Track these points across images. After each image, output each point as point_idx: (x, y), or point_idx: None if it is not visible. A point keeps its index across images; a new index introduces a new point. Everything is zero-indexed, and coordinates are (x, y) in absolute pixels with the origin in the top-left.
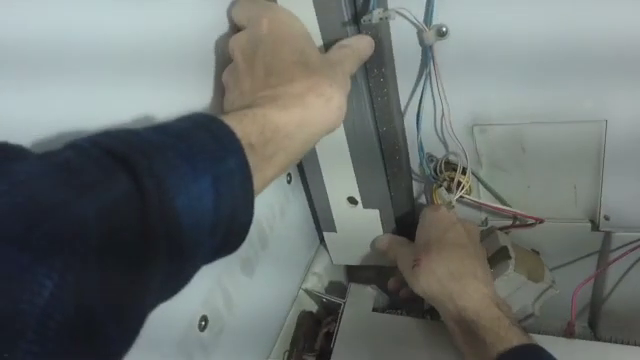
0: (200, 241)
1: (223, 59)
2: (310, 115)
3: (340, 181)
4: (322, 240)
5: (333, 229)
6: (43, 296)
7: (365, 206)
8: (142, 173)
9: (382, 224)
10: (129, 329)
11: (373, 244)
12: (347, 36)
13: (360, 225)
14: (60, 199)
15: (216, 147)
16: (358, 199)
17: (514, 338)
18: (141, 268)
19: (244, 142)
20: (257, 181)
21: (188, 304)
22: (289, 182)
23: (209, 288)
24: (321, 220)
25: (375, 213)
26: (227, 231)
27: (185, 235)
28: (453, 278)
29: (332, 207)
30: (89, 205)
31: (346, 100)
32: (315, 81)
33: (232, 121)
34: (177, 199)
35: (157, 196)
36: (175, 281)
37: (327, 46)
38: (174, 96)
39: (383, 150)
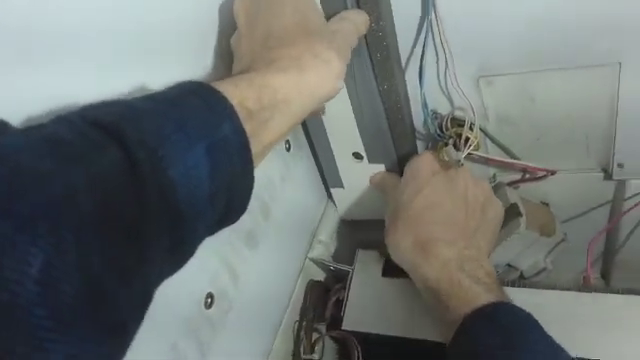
0: (199, 211)
1: (228, 30)
2: (307, 78)
3: (345, 137)
4: (329, 198)
5: (340, 185)
6: (31, 264)
7: (370, 161)
8: (133, 143)
9: None
10: (138, 302)
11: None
12: (346, 6)
13: (367, 180)
14: (46, 169)
15: (208, 113)
16: (363, 154)
17: (477, 298)
18: (141, 237)
19: (241, 107)
20: (255, 147)
21: (192, 282)
22: (288, 150)
23: (213, 265)
24: (327, 177)
25: (381, 168)
26: (228, 199)
27: (182, 205)
28: (416, 248)
29: (338, 163)
30: (77, 175)
31: (345, 68)
32: (313, 43)
33: (228, 86)
34: (171, 169)
35: (150, 166)
36: (179, 253)
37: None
38: (176, 71)
39: (386, 109)
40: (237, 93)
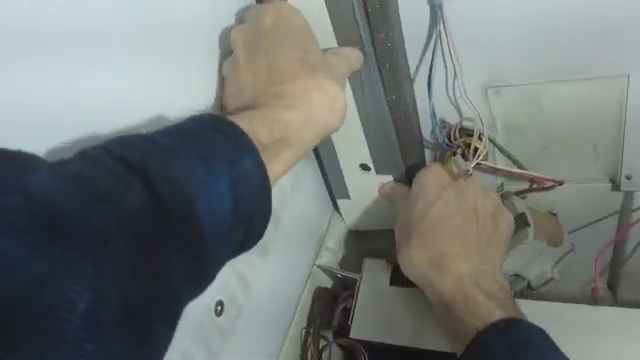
0: (220, 243)
1: (226, 49)
2: (315, 115)
3: (352, 148)
4: (335, 209)
5: (347, 196)
6: (74, 300)
7: (378, 172)
8: (157, 181)
9: None
10: (171, 326)
11: (379, 190)
12: (355, 18)
13: (374, 191)
14: (77, 209)
15: (230, 148)
16: (371, 166)
17: (491, 314)
18: (170, 270)
19: (255, 140)
20: None
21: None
22: None
23: (224, 273)
24: (334, 188)
25: (388, 179)
26: (247, 230)
27: (207, 238)
28: (430, 263)
29: (345, 174)
30: (106, 214)
31: (346, 101)
32: (319, 79)
33: (243, 122)
34: (197, 204)
35: (175, 202)
36: (202, 281)
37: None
38: (176, 83)
39: (394, 119)
40: (251, 128)
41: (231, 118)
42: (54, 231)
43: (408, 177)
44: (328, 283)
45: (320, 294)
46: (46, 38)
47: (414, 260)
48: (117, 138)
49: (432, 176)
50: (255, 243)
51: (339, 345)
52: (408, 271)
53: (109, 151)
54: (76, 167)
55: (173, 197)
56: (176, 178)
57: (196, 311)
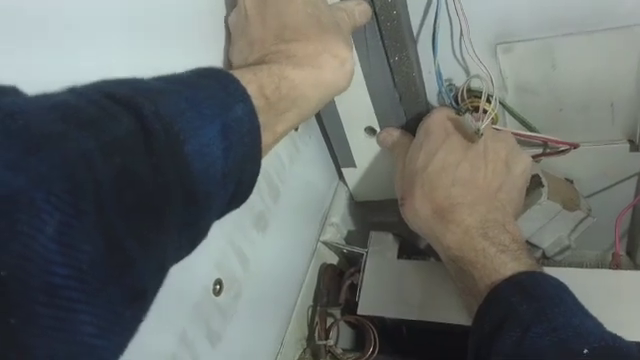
0: (212, 190)
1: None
2: (324, 76)
3: (356, 111)
4: (340, 180)
5: (352, 164)
6: (46, 221)
7: None
8: (148, 115)
9: None
10: (156, 271)
11: (377, 138)
12: None
13: (380, 156)
14: (58, 131)
15: (223, 95)
16: (377, 129)
17: (504, 267)
18: (158, 206)
19: (259, 94)
20: (268, 136)
21: (199, 268)
22: (296, 129)
23: (220, 249)
24: (339, 156)
25: None
26: (237, 181)
27: (197, 182)
28: (435, 216)
29: (349, 140)
30: (90, 139)
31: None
32: (330, 40)
33: (247, 73)
34: (187, 144)
35: (165, 138)
36: (192, 233)
37: None
38: (180, 46)
39: (398, 81)
40: (255, 79)
41: (236, 70)
42: (33, 148)
43: None
44: (333, 259)
45: (325, 270)
46: (43, 20)
47: (419, 213)
48: (103, 80)
49: (436, 122)
50: (243, 200)
51: (347, 322)
52: (413, 225)
53: (95, 88)
54: (60, 97)
55: (163, 133)
56: (166, 115)
57: (193, 291)
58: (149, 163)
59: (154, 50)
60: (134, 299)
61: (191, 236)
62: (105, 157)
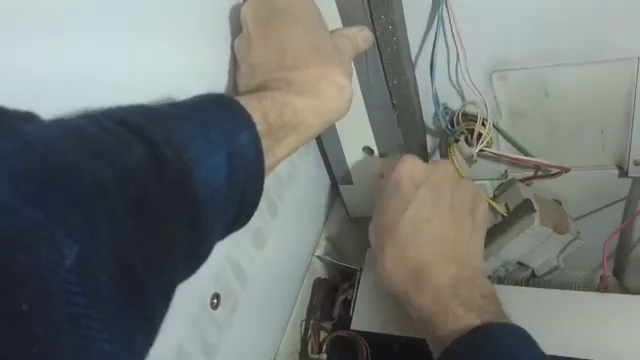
0: (215, 215)
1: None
2: (324, 103)
3: (355, 131)
4: (336, 197)
5: (349, 182)
6: (65, 255)
7: (382, 156)
8: (160, 143)
9: None
10: (165, 296)
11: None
12: (364, 11)
13: (377, 174)
14: (75, 161)
15: (230, 122)
16: (374, 149)
17: (468, 326)
18: (168, 232)
19: (263, 121)
20: (269, 161)
21: (198, 283)
22: None
23: (218, 264)
24: (336, 174)
25: None
26: (239, 206)
27: (202, 207)
28: (408, 278)
29: (347, 158)
30: (105, 169)
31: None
32: (329, 68)
33: (251, 100)
34: (195, 171)
35: (176, 165)
36: (196, 256)
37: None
38: (186, 63)
39: (396, 104)
40: (260, 107)
41: (241, 96)
42: (51, 182)
43: None
44: (327, 273)
45: (319, 285)
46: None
47: (390, 272)
48: (115, 107)
49: (404, 174)
50: (245, 222)
51: (340, 337)
52: (385, 283)
53: (108, 115)
54: (75, 124)
55: (174, 160)
56: (177, 142)
57: (191, 304)
58: (160, 190)
59: (161, 48)
60: (146, 324)
61: (194, 259)
62: (119, 186)
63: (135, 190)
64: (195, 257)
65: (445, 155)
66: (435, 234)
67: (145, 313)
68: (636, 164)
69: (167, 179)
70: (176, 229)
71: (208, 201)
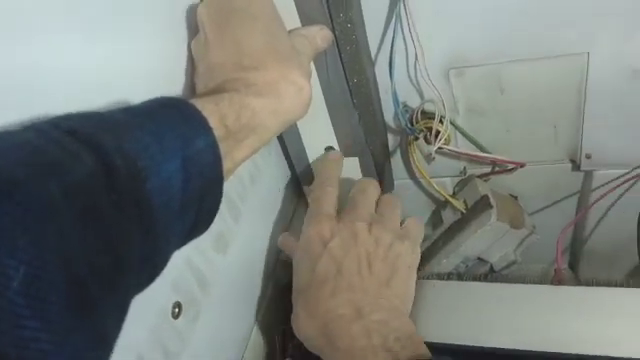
0: (170, 222)
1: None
2: (283, 104)
3: (317, 131)
4: (301, 196)
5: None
6: (12, 277)
7: (345, 154)
8: (111, 152)
9: (362, 171)
10: (118, 312)
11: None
12: (322, 10)
13: (341, 175)
14: (21, 177)
15: (185, 127)
16: (337, 148)
17: None
18: (119, 245)
19: (220, 124)
20: (228, 164)
21: (158, 292)
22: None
23: (179, 271)
24: (300, 175)
25: (354, 161)
26: (196, 212)
27: (157, 216)
28: (321, 335)
29: (310, 159)
30: (53, 184)
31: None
32: (287, 69)
33: (208, 103)
34: (148, 180)
35: (127, 175)
36: (152, 264)
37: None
38: (141, 65)
39: (357, 103)
40: (217, 110)
41: (196, 100)
42: None
43: (374, 160)
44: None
45: (285, 289)
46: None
47: (306, 334)
48: (65, 114)
49: (311, 236)
50: (206, 228)
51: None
52: (306, 344)
53: (56, 124)
54: (21, 136)
55: (126, 169)
56: (129, 151)
57: (151, 314)
58: (110, 202)
59: (120, 48)
60: (98, 342)
61: (150, 269)
62: (68, 200)
63: (84, 203)
64: (150, 267)
65: (406, 153)
66: (342, 285)
67: (98, 330)
68: (587, 157)
69: (118, 189)
70: (129, 240)
71: (163, 209)
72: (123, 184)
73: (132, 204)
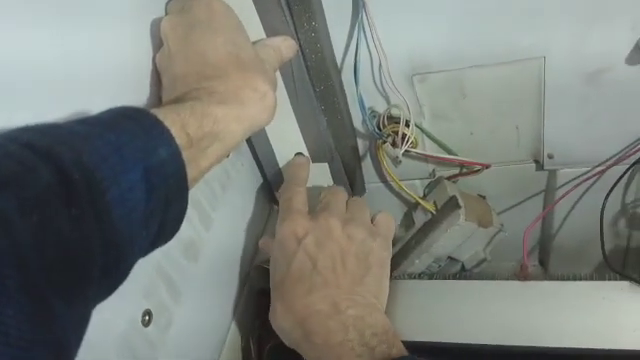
0: (134, 234)
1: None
2: (246, 111)
3: (286, 138)
4: (274, 203)
5: None
6: None
7: (314, 160)
8: (68, 165)
9: (333, 176)
10: (79, 323)
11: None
12: (282, 10)
13: (311, 180)
14: None
15: (146, 137)
16: (306, 154)
17: None
18: (79, 258)
19: (182, 133)
20: (193, 172)
21: (127, 300)
22: (227, 156)
23: (149, 279)
24: (271, 181)
25: (325, 167)
26: (161, 221)
27: (118, 228)
28: (298, 331)
29: (281, 165)
30: (9, 199)
31: (276, 97)
32: (250, 76)
33: (169, 113)
34: (109, 192)
35: (86, 187)
36: (114, 274)
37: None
38: (106, 78)
39: (324, 110)
40: (179, 119)
41: (157, 110)
42: None
43: (344, 165)
44: (268, 283)
45: (259, 295)
46: None
47: (284, 330)
48: (22, 127)
49: (286, 233)
50: (171, 236)
51: (280, 346)
52: (284, 340)
53: (14, 138)
54: None
55: (84, 182)
56: (89, 163)
57: (121, 322)
58: (69, 215)
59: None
60: (59, 354)
61: (112, 280)
62: (24, 216)
63: (41, 218)
64: (112, 277)
65: (376, 157)
66: (318, 281)
67: (58, 343)
68: (550, 157)
69: (77, 202)
70: (89, 252)
71: (125, 220)
72: (82, 196)
73: (92, 216)
